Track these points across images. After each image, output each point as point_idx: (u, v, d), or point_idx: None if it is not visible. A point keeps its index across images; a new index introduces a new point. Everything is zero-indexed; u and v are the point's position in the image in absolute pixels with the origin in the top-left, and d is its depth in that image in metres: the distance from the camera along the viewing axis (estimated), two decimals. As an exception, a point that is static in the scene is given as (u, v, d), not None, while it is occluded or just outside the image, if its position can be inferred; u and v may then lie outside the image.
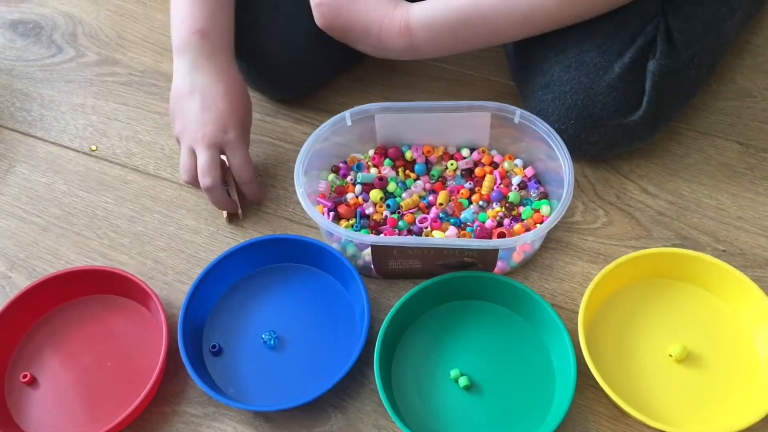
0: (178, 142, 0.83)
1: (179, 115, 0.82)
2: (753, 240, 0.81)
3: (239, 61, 0.90)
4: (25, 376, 0.73)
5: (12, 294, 0.78)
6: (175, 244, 0.84)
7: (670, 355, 0.72)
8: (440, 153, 0.86)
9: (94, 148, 0.94)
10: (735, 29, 0.89)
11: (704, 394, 0.70)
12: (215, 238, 0.84)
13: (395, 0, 0.81)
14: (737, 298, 0.74)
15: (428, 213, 0.82)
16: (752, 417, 0.66)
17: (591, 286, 0.73)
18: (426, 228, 0.80)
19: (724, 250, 0.80)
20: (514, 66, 0.91)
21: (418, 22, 0.79)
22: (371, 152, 0.87)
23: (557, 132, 0.80)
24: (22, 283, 0.81)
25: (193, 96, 0.81)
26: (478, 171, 0.85)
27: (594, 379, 0.68)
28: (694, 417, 0.69)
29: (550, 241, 0.82)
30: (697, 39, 0.81)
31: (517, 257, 0.79)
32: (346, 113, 0.81)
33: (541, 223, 0.80)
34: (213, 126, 0.80)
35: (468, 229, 0.80)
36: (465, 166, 0.85)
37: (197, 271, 0.79)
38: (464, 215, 0.80)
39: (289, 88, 0.93)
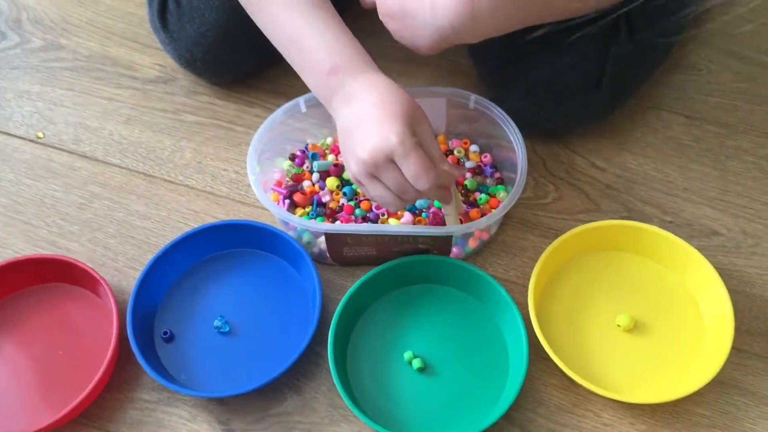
0: (360, 183, 0.69)
1: (348, 154, 0.68)
2: (699, 210, 0.83)
3: (170, 45, 0.89)
4: (-28, 368, 0.72)
5: (-42, 285, 0.76)
6: (125, 231, 0.83)
7: (619, 325, 0.73)
8: None
9: (40, 135, 0.92)
10: (693, 11, 0.90)
11: (652, 362, 0.72)
12: (166, 223, 0.84)
13: None
14: (684, 268, 0.76)
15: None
16: (698, 382, 0.68)
17: (540, 260, 0.74)
18: (382, 215, 0.80)
19: (671, 221, 0.82)
20: (475, 44, 0.91)
21: None
22: (329, 139, 0.86)
23: (519, 108, 0.80)
24: (-31, 274, 0.80)
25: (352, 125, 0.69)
26: None
27: (545, 351, 0.69)
28: (642, 384, 0.71)
29: (502, 217, 0.83)
30: (658, 24, 0.82)
31: (472, 243, 0.79)
32: (300, 100, 0.80)
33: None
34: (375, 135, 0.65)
35: (423, 215, 0.80)
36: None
37: (148, 257, 0.78)
38: (419, 202, 0.80)
39: (224, 73, 0.92)
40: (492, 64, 0.85)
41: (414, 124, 0.66)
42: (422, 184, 0.65)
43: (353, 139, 0.67)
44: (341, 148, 0.70)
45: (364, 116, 0.66)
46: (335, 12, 0.73)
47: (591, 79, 0.81)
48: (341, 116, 0.69)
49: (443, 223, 0.76)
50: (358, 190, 0.81)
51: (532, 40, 0.80)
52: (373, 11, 0.77)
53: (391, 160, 0.65)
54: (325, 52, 0.70)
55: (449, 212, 0.73)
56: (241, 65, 0.92)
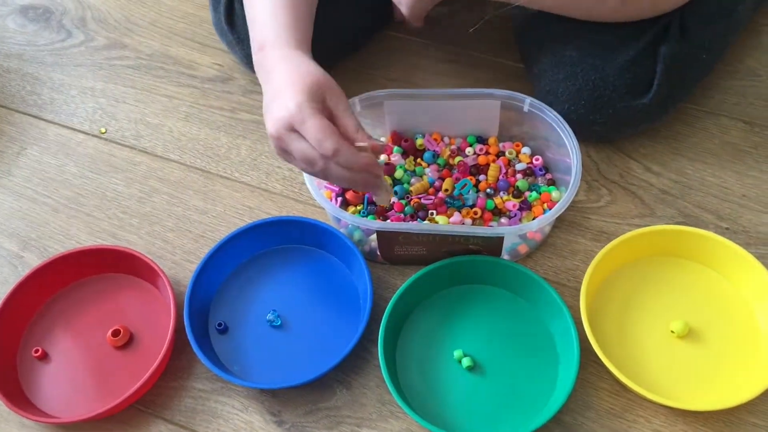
0: (281, 154, 0.68)
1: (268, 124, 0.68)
2: (756, 218, 0.81)
3: (237, 45, 0.91)
4: (36, 351, 0.75)
5: (24, 273, 0.79)
6: (182, 225, 0.86)
7: (672, 331, 0.72)
8: (447, 153, 0.85)
9: (103, 130, 0.95)
10: (747, 13, 0.89)
11: (705, 369, 0.71)
12: (222, 218, 0.86)
13: None
14: (739, 275, 0.75)
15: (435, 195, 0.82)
16: (753, 391, 0.66)
17: (593, 263, 0.74)
18: (431, 209, 0.80)
19: (727, 228, 0.81)
20: (525, 45, 0.91)
21: None
22: (383, 139, 0.87)
23: (566, 113, 0.80)
24: (34, 262, 0.83)
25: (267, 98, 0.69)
26: (481, 159, 0.84)
27: (596, 354, 0.69)
28: (695, 391, 0.70)
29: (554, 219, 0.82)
30: (710, 24, 0.81)
31: (522, 249, 0.79)
32: (355, 99, 0.81)
33: (549, 204, 0.80)
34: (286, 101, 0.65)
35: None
36: (472, 163, 0.84)
37: (205, 251, 0.80)
38: (467, 198, 0.81)
39: None
40: (541, 69, 0.85)
41: (324, 96, 0.66)
42: (326, 147, 0.62)
43: (266, 117, 0.67)
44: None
45: (274, 91, 0.67)
46: None
47: (641, 82, 0.80)
48: (264, 93, 0.70)
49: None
50: (410, 188, 0.82)
51: (578, 44, 0.80)
52: None
53: (293, 129, 0.64)
54: (260, 26, 0.72)
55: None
56: None
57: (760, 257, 0.74)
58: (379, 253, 0.79)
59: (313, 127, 0.63)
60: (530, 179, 0.83)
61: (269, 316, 0.77)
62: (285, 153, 0.67)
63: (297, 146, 0.65)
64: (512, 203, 0.80)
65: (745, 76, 0.93)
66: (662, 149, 0.87)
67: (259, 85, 0.95)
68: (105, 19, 1.07)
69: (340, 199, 0.82)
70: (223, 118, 0.95)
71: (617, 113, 0.81)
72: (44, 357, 0.75)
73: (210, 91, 0.98)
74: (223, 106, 0.96)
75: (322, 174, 0.66)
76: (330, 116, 0.66)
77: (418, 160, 0.86)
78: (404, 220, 0.80)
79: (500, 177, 0.83)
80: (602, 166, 0.86)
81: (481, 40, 0.99)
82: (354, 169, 0.65)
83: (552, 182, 0.83)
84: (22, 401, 0.72)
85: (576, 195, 0.83)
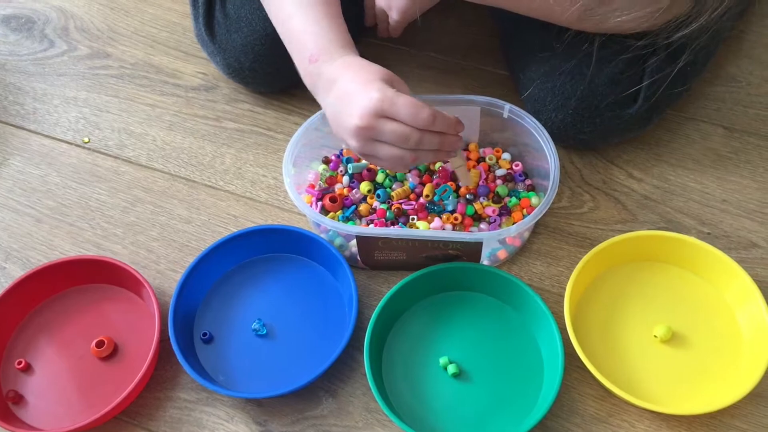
0: (366, 155, 0.71)
1: (344, 133, 0.70)
2: (737, 222, 0.82)
3: (218, 55, 0.91)
4: (19, 363, 0.74)
5: (7, 284, 0.78)
6: (167, 234, 0.85)
7: (655, 336, 0.73)
8: None
9: (86, 140, 0.94)
10: (728, 24, 0.90)
11: (689, 373, 0.72)
12: (207, 227, 0.85)
13: None
14: (721, 279, 0.75)
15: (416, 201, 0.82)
16: (735, 395, 0.67)
17: (577, 269, 0.74)
18: (412, 215, 0.80)
19: (709, 233, 0.81)
20: (512, 53, 0.91)
21: None
22: None
23: (553, 121, 0.80)
24: (17, 273, 0.82)
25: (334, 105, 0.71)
26: None
27: (580, 360, 0.69)
28: (679, 395, 0.70)
29: (537, 225, 0.83)
30: (695, 37, 0.82)
31: (502, 254, 0.80)
32: None
33: (528, 210, 0.81)
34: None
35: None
36: (451, 169, 0.85)
37: (189, 260, 0.80)
38: (447, 204, 0.81)
39: (272, 81, 0.94)
40: (529, 77, 0.86)
41: (392, 84, 0.69)
42: (423, 116, 0.66)
43: (343, 117, 0.69)
44: (335, 133, 0.72)
45: (346, 93, 0.69)
46: None
47: (627, 93, 0.81)
48: (327, 104, 0.72)
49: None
50: (392, 193, 0.82)
51: (569, 54, 0.80)
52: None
53: (381, 115, 0.67)
54: (306, 38, 0.74)
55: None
56: (288, 74, 0.93)
57: (740, 261, 0.75)
58: (359, 258, 0.79)
59: (406, 103, 0.66)
60: (510, 185, 0.83)
61: (254, 326, 0.76)
62: (371, 144, 0.69)
63: (389, 128, 0.67)
64: (492, 209, 0.80)
65: (725, 82, 0.94)
66: (644, 155, 0.88)
67: (244, 93, 0.97)
68: (88, 28, 1.06)
69: (320, 203, 0.82)
70: (208, 127, 0.95)
71: (604, 123, 0.82)
72: (27, 369, 0.75)
73: (194, 100, 0.97)
74: (207, 115, 0.96)
75: (412, 154, 0.68)
76: None
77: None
78: (385, 226, 0.80)
79: (480, 183, 0.83)
80: (585, 172, 0.87)
81: (464, 48, 0.99)
82: (449, 130, 0.69)
83: (532, 188, 0.83)
84: (6, 413, 0.71)
85: (559, 201, 0.85)
